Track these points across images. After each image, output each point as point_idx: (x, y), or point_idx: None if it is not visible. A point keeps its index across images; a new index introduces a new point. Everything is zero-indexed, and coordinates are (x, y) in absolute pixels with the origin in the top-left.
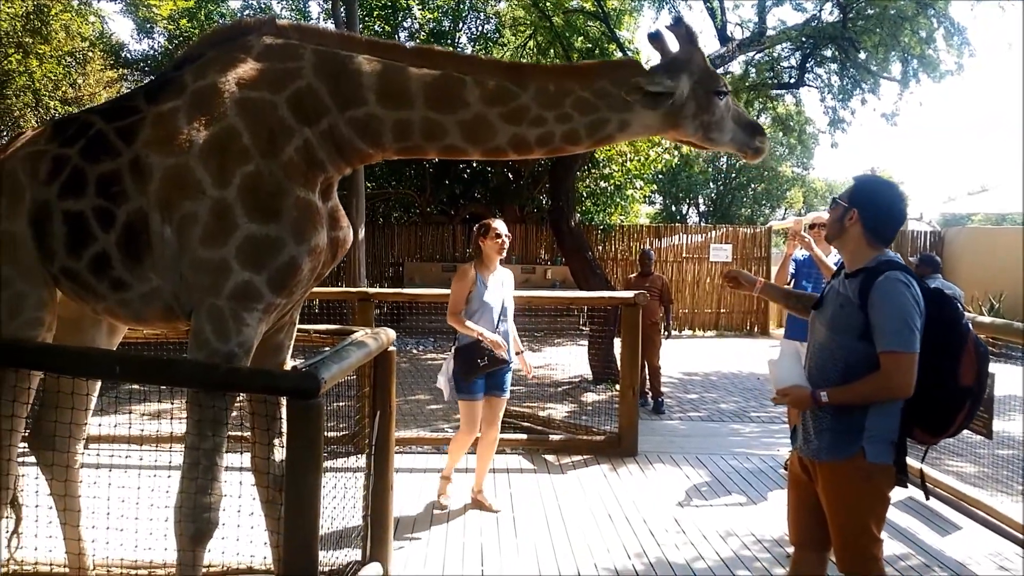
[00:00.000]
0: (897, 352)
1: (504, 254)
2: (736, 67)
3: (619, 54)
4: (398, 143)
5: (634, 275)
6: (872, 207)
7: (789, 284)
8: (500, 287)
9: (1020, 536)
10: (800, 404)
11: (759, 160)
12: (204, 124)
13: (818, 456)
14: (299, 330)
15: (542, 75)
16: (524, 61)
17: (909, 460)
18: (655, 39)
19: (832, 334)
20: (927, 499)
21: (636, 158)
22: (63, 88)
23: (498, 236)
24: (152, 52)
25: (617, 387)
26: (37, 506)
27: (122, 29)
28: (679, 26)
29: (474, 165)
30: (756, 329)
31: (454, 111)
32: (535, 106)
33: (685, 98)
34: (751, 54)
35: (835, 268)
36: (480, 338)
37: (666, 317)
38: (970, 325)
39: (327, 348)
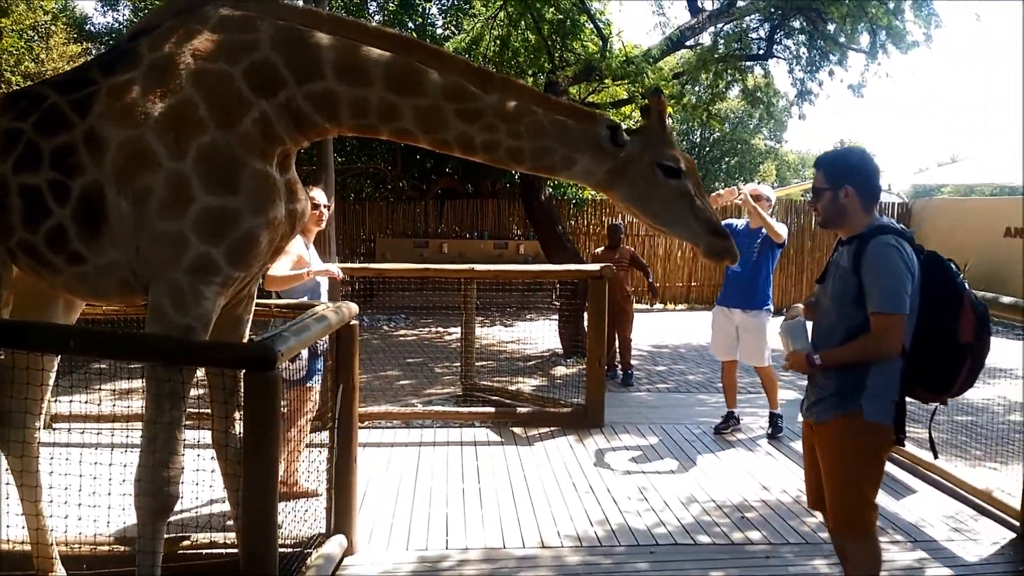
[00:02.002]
0: (885, 313)
1: (323, 225)
2: (706, 38)
3: (590, 26)
4: (355, 120)
5: (601, 249)
6: (862, 176)
7: None
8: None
9: (975, 500)
10: (799, 367)
11: (715, 262)
12: (160, 96)
13: (820, 418)
14: (259, 304)
15: (509, 89)
16: (495, 72)
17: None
18: (645, 112)
19: (834, 304)
20: (935, 458)
21: None
22: (25, 63)
23: (316, 207)
24: (117, 25)
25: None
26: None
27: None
28: (656, 95)
29: None
30: None
31: (411, 96)
32: (491, 114)
33: (631, 158)
34: (720, 25)
35: (783, 235)
36: (319, 274)
37: (650, 286)
38: (966, 284)
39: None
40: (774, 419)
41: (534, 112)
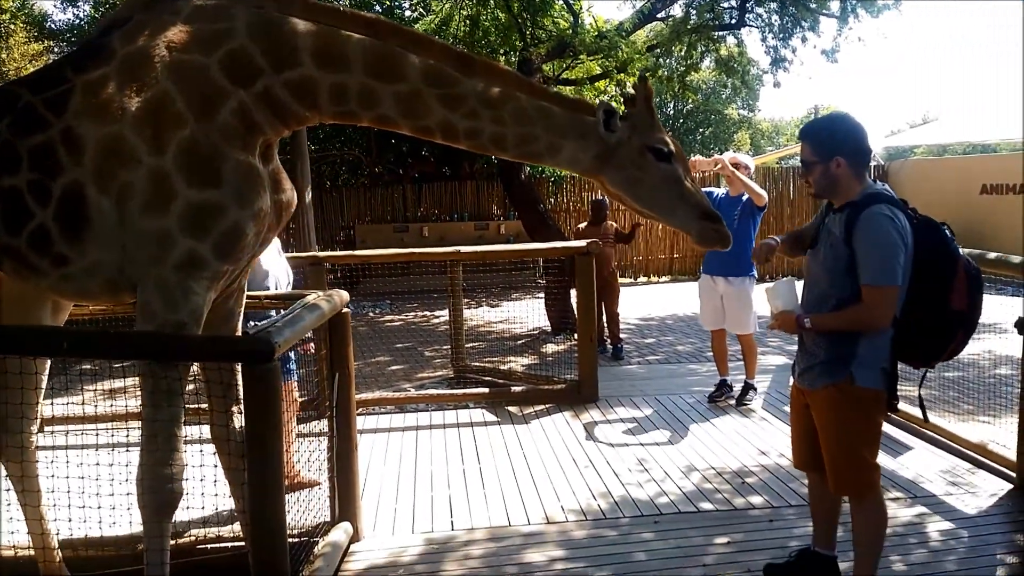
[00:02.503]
0: (878, 286)
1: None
2: (677, 10)
3: (560, 2)
4: (334, 107)
5: (584, 224)
6: (851, 144)
7: None
8: None
9: (970, 454)
10: (787, 327)
11: (704, 247)
12: (136, 90)
13: (812, 384)
14: (248, 297)
15: (492, 75)
16: (477, 56)
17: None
18: (629, 101)
19: (824, 272)
20: (926, 421)
21: None
22: None
23: None
24: (78, 21)
25: (576, 336)
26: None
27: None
28: (640, 85)
29: None
30: None
31: (392, 81)
32: (474, 99)
33: (620, 143)
34: None
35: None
36: None
37: (633, 229)
38: (960, 250)
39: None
40: (747, 388)
41: (517, 98)
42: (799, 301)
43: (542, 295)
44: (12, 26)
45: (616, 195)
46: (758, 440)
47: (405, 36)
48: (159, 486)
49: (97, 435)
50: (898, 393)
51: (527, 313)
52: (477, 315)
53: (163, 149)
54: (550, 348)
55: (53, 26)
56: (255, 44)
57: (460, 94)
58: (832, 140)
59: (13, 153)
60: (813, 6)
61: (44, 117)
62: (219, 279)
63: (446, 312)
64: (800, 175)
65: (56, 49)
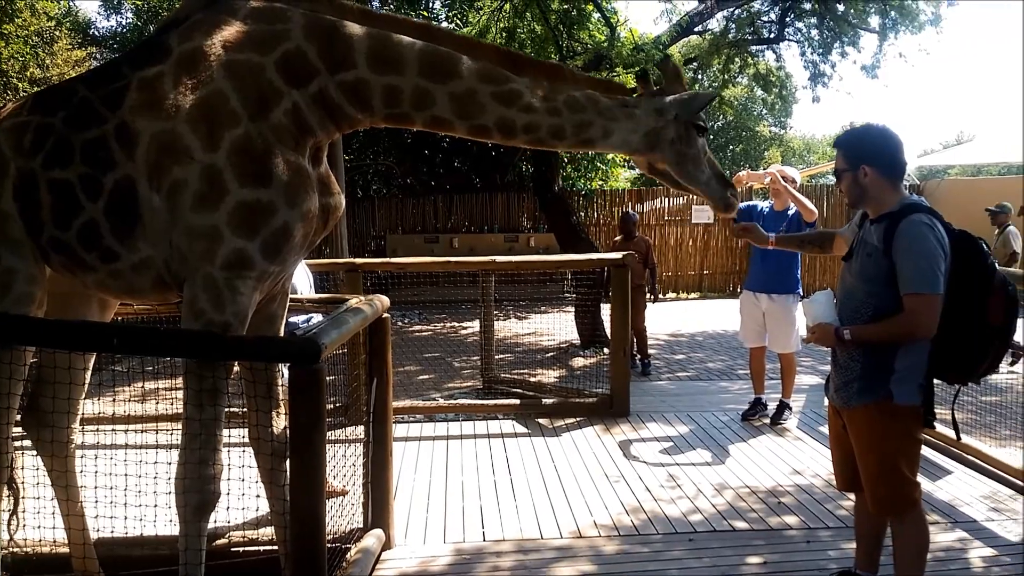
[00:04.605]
0: (921, 294)
1: None
2: (715, 24)
3: (597, 15)
4: (387, 109)
5: (618, 238)
6: (881, 154)
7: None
8: None
9: (1011, 479)
10: (825, 340)
11: (727, 215)
12: (191, 88)
13: (847, 403)
14: (290, 299)
15: (538, 70)
16: (522, 53)
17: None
18: (642, 79)
19: (860, 283)
20: (958, 439)
21: None
22: (31, 69)
23: None
24: (120, 29)
25: (606, 350)
26: (37, 484)
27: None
28: (667, 64)
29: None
30: (739, 289)
31: (446, 82)
32: (528, 94)
33: (667, 123)
34: (731, 9)
35: (815, 212)
36: None
37: (651, 280)
38: (997, 265)
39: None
40: (782, 408)
41: (566, 88)
42: (836, 314)
43: (571, 308)
44: (57, 32)
45: (662, 172)
46: (793, 459)
47: (453, 39)
48: (199, 486)
49: (127, 434)
50: (934, 411)
51: (556, 326)
52: (506, 327)
53: (217, 146)
54: (579, 361)
55: (96, 33)
56: (310, 45)
57: (515, 90)
58: (861, 149)
59: (66, 146)
60: (853, 20)
61: (99, 112)
62: (265, 280)
63: (475, 323)
64: (836, 185)
65: (99, 55)
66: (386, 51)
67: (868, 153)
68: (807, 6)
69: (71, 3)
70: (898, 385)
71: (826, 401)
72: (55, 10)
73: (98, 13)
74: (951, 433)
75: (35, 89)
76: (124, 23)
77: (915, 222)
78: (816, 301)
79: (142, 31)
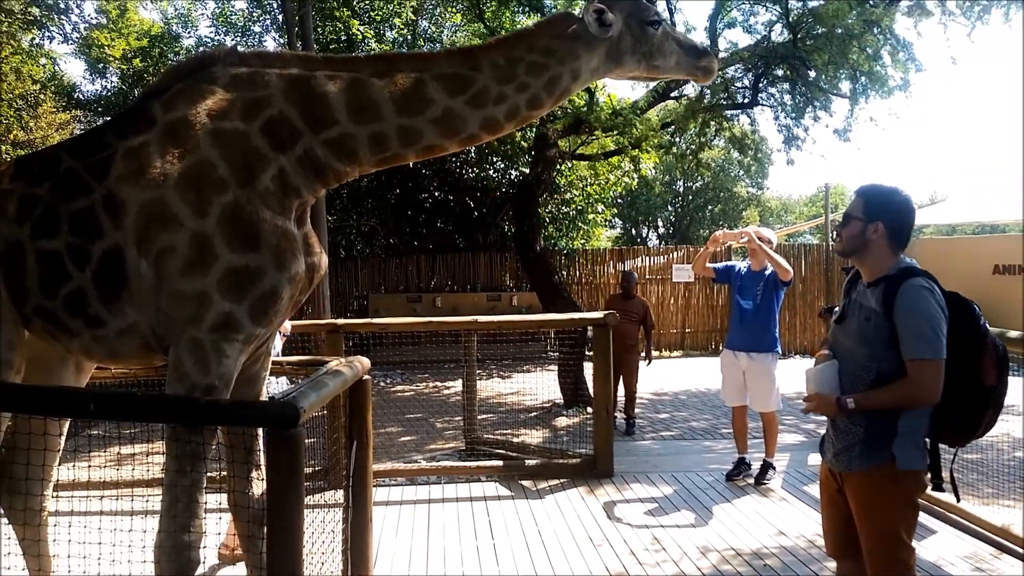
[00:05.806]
0: (925, 360)
1: None
2: (691, 89)
3: None
4: (375, 155)
5: (618, 294)
6: (895, 215)
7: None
8: None
9: (994, 538)
10: (827, 411)
11: (710, 80)
12: (178, 157)
13: (848, 467)
14: (272, 362)
15: (491, 51)
16: (472, 44)
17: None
18: None
19: (860, 347)
20: (957, 501)
21: (596, 182)
22: (14, 132)
23: None
24: (105, 92)
25: (589, 410)
26: (8, 554)
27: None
28: None
29: (436, 195)
30: (720, 347)
31: (423, 112)
32: (494, 84)
33: (620, 32)
34: None
35: (791, 271)
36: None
37: (647, 342)
38: (987, 326)
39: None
40: (765, 467)
41: (523, 55)
42: (838, 384)
43: (554, 367)
44: (42, 96)
45: (636, 76)
46: (778, 520)
47: (408, 59)
48: (178, 553)
49: (102, 500)
50: (941, 473)
51: (539, 385)
52: (489, 386)
53: (206, 213)
54: (562, 421)
55: (81, 96)
56: (292, 108)
57: (481, 88)
58: (882, 206)
59: (54, 216)
60: (825, 86)
61: (86, 181)
62: (251, 342)
63: (457, 383)
64: (835, 227)
65: (83, 119)
66: (362, 101)
67: (888, 212)
68: (779, 72)
69: (56, 67)
70: (900, 448)
71: (810, 460)
72: (40, 74)
73: (83, 77)
74: (940, 494)
75: (18, 152)
76: (109, 87)
77: (916, 286)
78: (823, 373)
79: (127, 95)
